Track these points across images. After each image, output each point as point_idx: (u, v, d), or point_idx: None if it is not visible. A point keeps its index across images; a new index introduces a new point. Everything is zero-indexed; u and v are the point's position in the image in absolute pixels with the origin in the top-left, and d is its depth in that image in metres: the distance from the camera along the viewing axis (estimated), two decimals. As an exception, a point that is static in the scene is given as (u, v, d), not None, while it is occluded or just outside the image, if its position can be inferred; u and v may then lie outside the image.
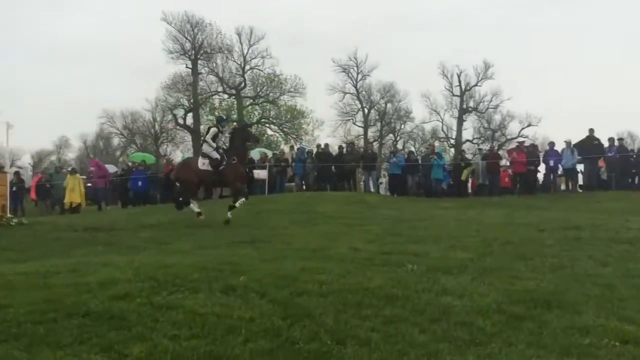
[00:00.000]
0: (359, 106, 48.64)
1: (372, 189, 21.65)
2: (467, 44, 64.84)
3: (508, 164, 21.12)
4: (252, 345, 4.27)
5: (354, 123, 48.84)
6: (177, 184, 13.55)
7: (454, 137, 47.22)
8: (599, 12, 68.67)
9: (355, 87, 48.31)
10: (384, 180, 23.37)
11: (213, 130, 12.86)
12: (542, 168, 20.54)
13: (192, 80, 41.39)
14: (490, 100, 46.31)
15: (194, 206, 12.43)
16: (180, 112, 42.95)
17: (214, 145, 12.53)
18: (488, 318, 4.97)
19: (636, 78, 68.02)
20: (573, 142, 19.48)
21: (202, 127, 42.48)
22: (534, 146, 22.99)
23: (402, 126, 49.61)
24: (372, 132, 48.99)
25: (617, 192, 17.50)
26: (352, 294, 5.56)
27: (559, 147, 20.26)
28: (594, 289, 5.97)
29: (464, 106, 46.88)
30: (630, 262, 7.24)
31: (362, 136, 47.50)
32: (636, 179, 19.11)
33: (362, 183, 23.23)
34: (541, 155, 20.93)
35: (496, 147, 26.94)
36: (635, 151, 20.11)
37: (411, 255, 7.58)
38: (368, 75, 47.83)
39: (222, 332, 4.45)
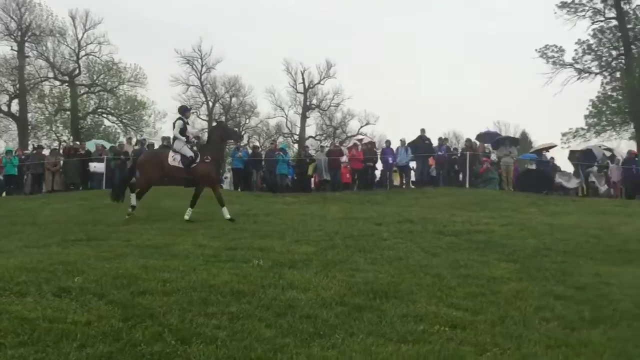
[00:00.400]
0: (204, 99, 47.85)
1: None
2: (311, 43, 66.64)
3: (347, 160, 21.99)
4: (89, 350, 4.00)
5: (198, 116, 47.89)
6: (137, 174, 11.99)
7: (297, 133, 48.23)
8: (436, 16, 74.31)
9: (200, 79, 47.43)
10: (228, 174, 23.19)
11: (179, 123, 11.72)
12: (379, 165, 21.71)
13: (18, 63, 37.74)
14: (332, 98, 47.98)
15: (133, 198, 11.30)
16: (3, 98, 39.01)
17: (183, 139, 11.53)
18: (331, 310, 5.13)
19: (465, 81, 74.70)
20: (407, 141, 20.83)
21: (39, 117, 39.06)
22: (372, 144, 24.22)
23: (247, 121, 49.66)
24: (216, 126, 48.33)
25: (444, 189, 18.98)
26: (197, 291, 5.45)
27: (394, 145, 21.57)
28: (426, 278, 6.42)
29: (308, 103, 48.05)
30: (457, 253, 7.90)
31: (207, 130, 46.76)
32: (460, 176, 20.88)
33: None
34: (378, 152, 22.13)
35: (338, 144, 27.92)
36: (459, 150, 21.96)
37: (257, 250, 7.60)
38: (213, 68, 47.24)
39: (54, 338, 4.13)
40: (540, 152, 23.13)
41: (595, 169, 20.71)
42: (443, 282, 6.30)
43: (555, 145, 25.30)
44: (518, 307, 5.43)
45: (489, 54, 75.33)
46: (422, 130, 20.94)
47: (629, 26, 31.35)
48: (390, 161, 21.17)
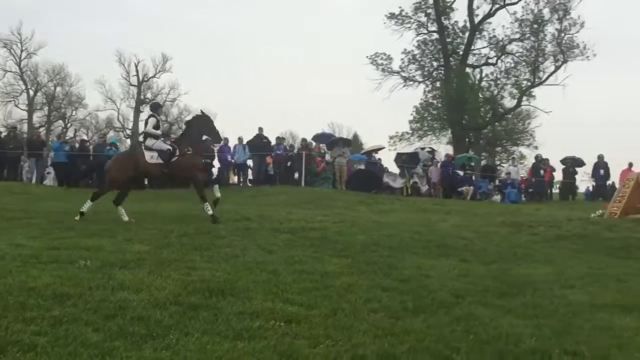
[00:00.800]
0: (23, 87, 43.90)
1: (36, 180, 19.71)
2: (145, 34, 64.07)
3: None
4: None
5: (16, 105, 43.89)
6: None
7: (130, 127, 46.16)
8: (276, 15, 75.26)
9: (19, 65, 43.44)
10: (51, 170, 21.47)
11: (152, 120, 11.04)
12: (216, 162, 21.49)
13: None
14: (168, 93, 46.67)
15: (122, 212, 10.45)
16: None
17: (158, 132, 10.98)
18: (165, 310, 4.96)
19: (302, 81, 76.64)
20: (245, 139, 20.87)
21: None
22: (209, 141, 23.87)
23: (74, 112, 46.51)
24: (38, 117, 44.78)
25: (281, 187, 19.33)
26: (14, 295, 4.97)
27: (232, 143, 21.52)
28: (262, 275, 6.47)
29: (142, 97, 46.17)
30: (292, 250, 8.07)
31: (27, 120, 42.96)
32: (295, 175, 21.39)
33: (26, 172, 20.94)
34: (216, 150, 21.92)
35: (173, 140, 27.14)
36: (296, 150, 22.50)
37: (84, 250, 7.13)
38: (34, 54, 43.53)
39: None
40: (369, 153, 24.49)
41: (420, 170, 22.41)
42: (279, 278, 6.39)
43: (383, 147, 26.97)
44: (349, 300, 5.67)
45: (325, 56, 78.23)
46: (260, 129, 21.16)
47: (448, 40, 34.36)
48: (229, 159, 21.07)
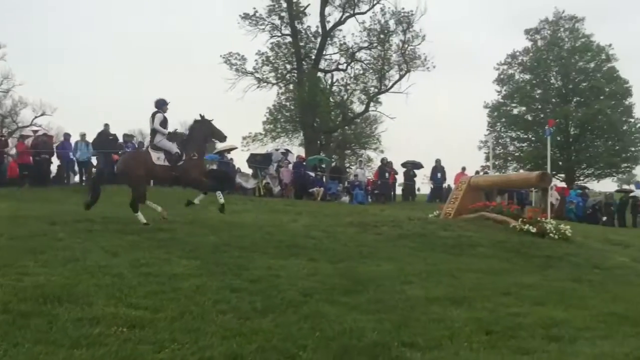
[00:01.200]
0: None
1: None
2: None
3: (16, 153, 19.85)
4: None
5: None
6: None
7: (-47, 119, 41.60)
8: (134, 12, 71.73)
9: None
10: None
11: (159, 116, 10.84)
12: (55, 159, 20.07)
13: None
14: (1, 83, 42.71)
15: (155, 206, 10.75)
16: None
17: (166, 131, 10.81)
18: (-8, 319, 4.53)
19: (155, 77, 73.89)
20: (88, 136, 19.70)
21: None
22: (48, 136, 22.23)
23: None
24: None
25: (117, 187, 18.41)
26: None
27: (75, 139, 20.20)
28: (105, 279, 6.13)
29: (-32, 85, 41.83)
30: (138, 252, 7.73)
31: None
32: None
33: None
34: (55, 146, 20.48)
35: (6, 134, 24.87)
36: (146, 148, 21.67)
37: None
38: None
39: None
40: (222, 153, 24.24)
41: (273, 171, 22.62)
42: (123, 281, 6.10)
43: (236, 148, 26.85)
44: (197, 302, 5.56)
45: (179, 54, 76.28)
46: (106, 125, 20.07)
47: (301, 44, 35.02)
48: (70, 156, 19.77)
